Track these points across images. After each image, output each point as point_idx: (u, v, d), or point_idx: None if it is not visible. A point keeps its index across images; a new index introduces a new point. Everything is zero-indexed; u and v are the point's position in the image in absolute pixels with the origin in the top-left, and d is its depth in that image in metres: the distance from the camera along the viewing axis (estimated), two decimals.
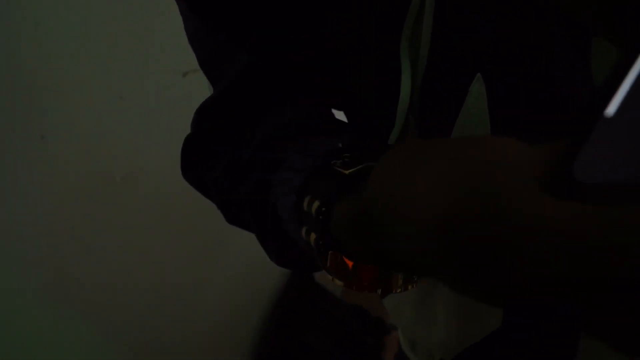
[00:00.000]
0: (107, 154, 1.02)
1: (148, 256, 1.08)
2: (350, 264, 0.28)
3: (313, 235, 0.28)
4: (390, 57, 0.31)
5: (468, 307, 0.35)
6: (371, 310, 1.16)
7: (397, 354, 0.48)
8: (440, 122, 0.32)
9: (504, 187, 0.16)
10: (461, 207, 0.17)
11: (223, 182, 0.37)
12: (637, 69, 0.13)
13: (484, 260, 0.16)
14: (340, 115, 0.39)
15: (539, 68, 0.30)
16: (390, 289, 0.28)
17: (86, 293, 1.03)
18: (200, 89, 0.46)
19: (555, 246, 0.14)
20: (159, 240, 1.08)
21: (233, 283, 1.16)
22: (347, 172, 0.28)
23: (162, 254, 1.09)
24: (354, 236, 0.26)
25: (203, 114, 0.38)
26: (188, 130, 0.41)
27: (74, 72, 0.96)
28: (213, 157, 0.37)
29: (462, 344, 0.36)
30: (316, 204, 0.28)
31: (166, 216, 1.07)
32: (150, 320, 1.10)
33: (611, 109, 0.13)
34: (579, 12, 0.17)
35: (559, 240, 0.14)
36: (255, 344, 1.15)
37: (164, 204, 1.05)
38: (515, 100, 0.31)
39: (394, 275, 0.28)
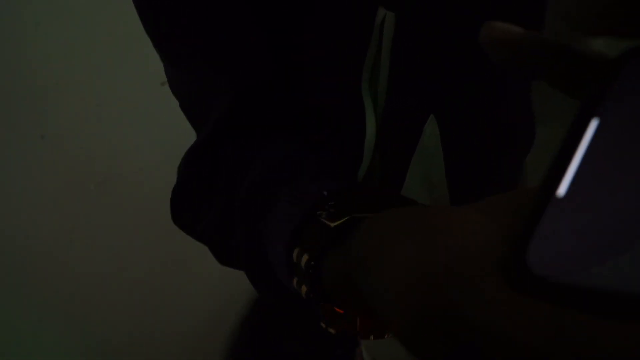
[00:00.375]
0: (105, 154, 1.02)
1: (125, 260, 1.07)
2: (342, 312, 0.28)
3: (304, 288, 0.29)
4: (354, 97, 0.33)
5: None
6: None
7: None
8: (400, 158, 0.34)
9: (463, 283, 0.16)
10: (426, 302, 0.17)
11: (214, 232, 0.37)
12: (585, 145, 0.12)
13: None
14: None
15: (487, 109, 0.32)
16: (383, 335, 0.29)
17: (65, 293, 1.03)
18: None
19: (504, 352, 0.14)
20: (135, 245, 1.07)
21: (208, 289, 1.15)
22: (332, 225, 0.28)
23: (138, 258, 1.08)
24: (343, 292, 0.27)
25: (189, 159, 0.38)
26: (176, 135, 0.40)
27: (74, 72, 0.96)
28: (202, 207, 0.37)
29: None
30: (305, 257, 0.28)
31: (143, 221, 1.06)
32: (124, 324, 1.09)
33: (561, 189, 0.12)
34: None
35: (506, 347, 0.14)
36: (229, 350, 1.14)
37: (142, 208, 1.04)
38: (467, 138, 0.33)
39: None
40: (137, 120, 1.03)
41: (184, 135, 0.43)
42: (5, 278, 0.98)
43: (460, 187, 0.34)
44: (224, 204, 0.36)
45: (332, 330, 0.29)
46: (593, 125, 0.13)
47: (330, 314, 0.28)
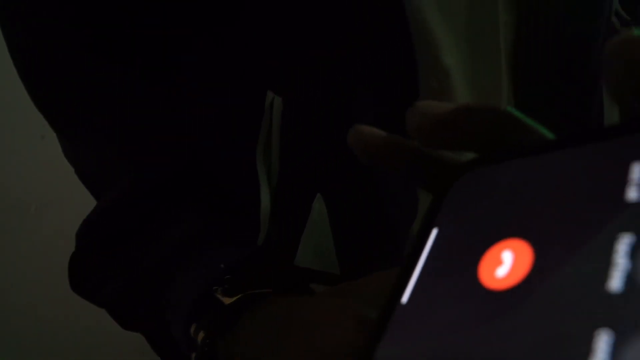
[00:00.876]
0: None
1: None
2: None
3: None
4: (250, 169, 0.35)
5: None
6: None
7: None
8: (292, 230, 0.37)
9: None
10: None
11: (116, 302, 0.37)
12: (426, 254, 0.13)
13: None
14: None
15: (370, 192, 0.35)
16: None
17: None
18: None
19: None
20: None
21: None
22: (227, 302, 0.30)
23: None
24: None
25: (88, 230, 0.38)
26: None
27: None
28: (103, 277, 0.38)
29: None
30: (201, 334, 0.30)
31: None
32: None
33: (404, 297, 0.13)
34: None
35: None
36: None
37: None
38: (353, 216, 0.36)
39: None
40: None
41: None
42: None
43: (349, 256, 0.38)
44: (128, 275, 0.36)
45: None
46: (432, 234, 0.14)
47: None
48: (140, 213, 0.37)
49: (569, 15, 0.34)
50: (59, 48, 0.35)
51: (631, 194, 0.10)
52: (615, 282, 0.09)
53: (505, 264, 0.11)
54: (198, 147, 0.37)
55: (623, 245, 0.10)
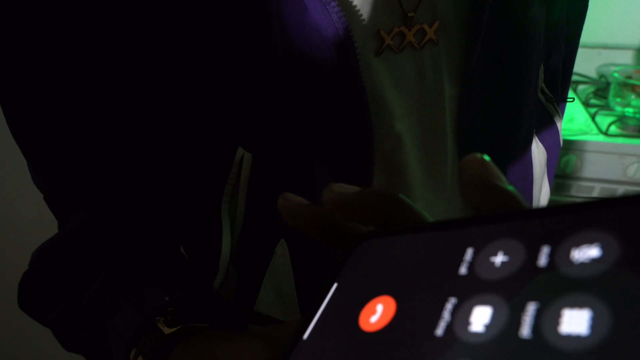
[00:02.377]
0: None
1: None
2: None
3: None
4: (213, 217, 0.37)
5: None
6: None
7: None
8: (254, 272, 0.39)
9: None
10: None
11: (61, 325, 0.40)
12: (326, 302, 0.17)
13: None
14: None
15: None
16: None
17: None
18: None
19: None
20: None
21: None
22: (166, 332, 0.32)
23: None
24: None
25: (44, 254, 0.40)
26: None
27: None
28: (50, 300, 0.39)
29: None
30: (140, 359, 0.32)
31: None
32: None
33: (305, 335, 0.16)
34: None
35: None
36: None
37: None
38: (314, 261, 0.38)
39: None
40: None
41: None
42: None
43: (309, 298, 0.40)
44: (74, 300, 0.38)
45: None
46: (333, 287, 0.17)
47: None
48: (91, 246, 0.39)
49: (503, 90, 0.40)
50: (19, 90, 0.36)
51: (462, 270, 0.14)
52: (439, 330, 0.13)
53: (377, 313, 0.15)
54: (165, 193, 0.39)
55: (449, 305, 0.13)
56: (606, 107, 1.34)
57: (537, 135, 0.48)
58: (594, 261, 0.11)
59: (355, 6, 0.33)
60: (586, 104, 1.37)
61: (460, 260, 0.14)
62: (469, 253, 0.14)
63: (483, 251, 0.14)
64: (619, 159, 1.22)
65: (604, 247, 0.12)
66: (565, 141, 1.22)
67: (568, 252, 0.12)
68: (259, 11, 0.31)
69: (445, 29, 0.36)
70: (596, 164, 1.23)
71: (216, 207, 0.37)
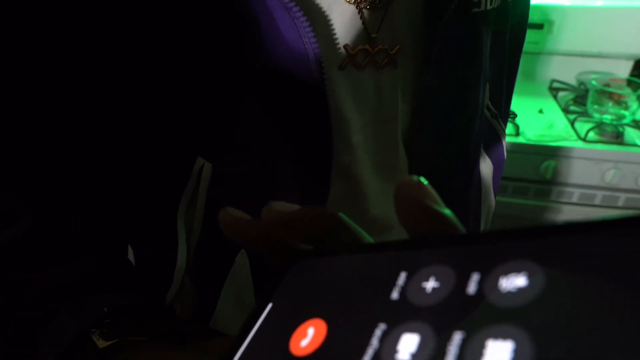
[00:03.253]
0: None
1: None
2: None
3: None
4: (169, 227, 0.37)
5: None
6: None
7: None
8: (213, 281, 0.38)
9: None
10: None
11: None
12: (259, 323, 0.17)
13: None
14: None
15: None
16: None
17: None
18: None
19: None
20: None
21: None
22: (101, 345, 0.31)
23: None
24: None
25: None
26: None
27: None
28: None
29: None
30: None
31: None
32: None
33: (236, 357, 0.16)
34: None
35: None
36: None
37: None
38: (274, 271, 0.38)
39: None
40: None
41: None
42: None
43: None
44: (7, 305, 0.36)
45: None
46: (267, 308, 0.17)
47: None
48: (34, 253, 0.37)
49: (452, 107, 0.42)
50: None
51: (394, 294, 0.14)
52: (367, 357, 0.13)
53: (308, 337, 0.15)
54: (124, 201, 0.38)
55: (378, 331, 0.13)
56: (585, 114, 1.36)
57: (484, 150, 0.50)
58: (520, 291, 0.12)
59: (322, 21, 0.34)
60: (566, 111, 1.40)
61: (393, 284, 0.14)
62: (402, 277, 0.14)
63: (415, 276, 0.14)
64: (596, 165, 1.24)
65: (530, 277, 0.12)
66: (545, 147, 1.24)
67: (496, 281, 0.12)
68: (228, 22, 0.31)
69: (403, 52, 0.38)
70: (575, 169, 1.25)
71: (172, 217, 0.37)
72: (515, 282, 0.12)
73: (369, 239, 0.19)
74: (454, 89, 0.41)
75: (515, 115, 1.32)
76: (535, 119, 1.35)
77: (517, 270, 0.12)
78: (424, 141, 0.42)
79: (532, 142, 1.24)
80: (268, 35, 0.32)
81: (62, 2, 0.31)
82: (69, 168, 0.37)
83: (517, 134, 1.27)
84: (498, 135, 0.52)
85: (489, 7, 0.40)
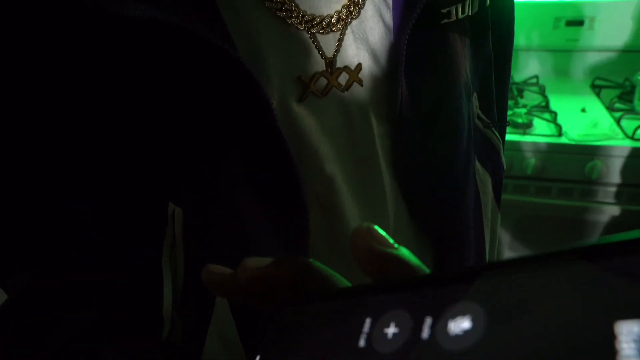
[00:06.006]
0: None
1: None
2: None
3: None
4: (156, 271, 0.37)
5: None
6: None
7: None
8: (199, 322, 0.39)
9: None
10: None
11: None
12: None
13: None
14: None
15: None
16: None
17: None
18: None
19: None
20: None
21: None
22: None
23: None
24: None
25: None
26: None
27: None
28: None
29: None
30: None
31: None
32: None
33: None
34: None
35: None
36: None
37: None
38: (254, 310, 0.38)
39: None
40: None
41: None
42: None
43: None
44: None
45: None
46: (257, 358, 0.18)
47: None
48: (39, 307, 0.38)
49: (435, 122, 0.40)
50: None
51: (361, 342, 0.14)
52: None
53: None
54: (105, 251, 0.38)
55: None
56: (632, 111, 1.31)
57: (478, 161, 0.49)
58: (465, 333, 0.12)
59: (275, 56, 0.33)
60: (610, 109, 1.35)
61: (360, 331, 0.15)
62: (367, 324, 0.15)
63: (378, 322, 0.15)
64: None
65: (474, 319, 0.12)
66: (589, 147, 1.20)
67: (445, 324, 0.13)
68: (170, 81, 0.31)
69: (369, 70, 0.37)
70: (622, 169, 1.21)
71: (157, 261, 0.37)
72: (461, 325, 0.12)
73: (342, 281, 0.19)
74: (432, 103, 0.40)
75: (509, 124, 1.29)
76: (578, 118, 1.31)
77: (462, 313, 0.13)
78: (408, 162, 0.40)
79: (575, 142, 1.21)
80: (205, 79, 0.31)
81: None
82: (50, 223, 0.37)
83: (560, 134, 1.24)
84: (493, 145, 0.50)
85: (461, 16, 0.39)
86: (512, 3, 0.50)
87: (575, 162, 1.22)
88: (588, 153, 1.21)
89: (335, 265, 0.20)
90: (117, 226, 0.36)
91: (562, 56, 1.56)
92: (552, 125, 1.27)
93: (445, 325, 0.13)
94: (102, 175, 0.34)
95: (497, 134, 0.50)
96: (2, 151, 0.34)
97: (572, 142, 1.21)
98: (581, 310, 0.11)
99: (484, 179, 0.50)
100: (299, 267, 0.19)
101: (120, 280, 0.40)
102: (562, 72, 1.58)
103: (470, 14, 0.40)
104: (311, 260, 0.19)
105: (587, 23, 1.49)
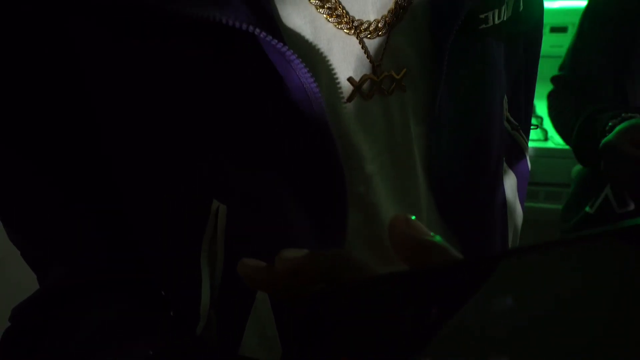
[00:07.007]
0: None
1: None
2: None
3: None
4: (192, 266, 0.38)
5: None
6: None
7: None
8: (237, 319, 0.39)
9: None
10: None
11: None
12: None
13: None
14: None
15: None
16: None
17: None
18: None
19: None
20: None
21: None
22: None
23: None
24: None
25: (24, 311, 0.40)
26: None
27: None
28: (33, 356, 0.39)
29: None
30: None
31: None
32: None
33: None
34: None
35: None
36: None
37: None
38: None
39: None
40: None
41: None
42: None
43: None
44: (56, 357, 0.37)
45: None
46: (295, 352, 0.18)
47: None
48: (70, 300, 0.39)
49: (469, 123, 0.41)
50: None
51: (400, 328, 0.15)
52: None
53: None
54: (144, 244, 0.39)
55: None
56: None
57: (506, 162, 0.49)
58: (501, 315, 0.13)
59: (323, 58, 0.35)
60: None
61: (398, 317, 0.15)
62: (404, 310, 0.15)
63: (415, 308, 0.15)
64: None
65: (508, 302, 0.13)
66: None
67: (480, 307, 0.14)
68: (221, 76, 0.32)
69: (410, 74, 0.38)
70: None
71: (196, 257, 0.37)
72: (497, 307, 0.13)
73: (375, 271, 0.20)
74: (468, 106, 0.41)
75: (536, 127, 1.31)
76: None
77: (498, 296, 0.14)
78: (442, 163, 0.41)
79: (561, 147, 1.22)
80: (264, 80, 0.32)
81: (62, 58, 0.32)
82: (88, 215, 0.38)
83: (546, 138, 1.26)
84: (520, 148, 0.51)
85: (497, 21, 0.40)
86: (542, 8, 0.51)
87: (561, 166, 1.24)
88: (573, 157, 1.22)
89: (369, 262, 0.21)
90: (159, 224, 0.37)
91: (547, 62, 1.58)
92: (538, 130, 1.29)
93: (481, 308, 0.13)
94: (149, 176, 0.35)
95: (524, 136, 0.51)
96: (54, 153, 0.35)
97: (558, 147, 1.23)
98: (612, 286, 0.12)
99: (511, 183, 0.50)
100: (335, 257, 0.20)
101: (156, 278, 0.40)
102: (547, 78, 1.60)
103: (505, 19, 0.41)
104: (344, 250, 0.20)
105: (570, 29, 1.51)
